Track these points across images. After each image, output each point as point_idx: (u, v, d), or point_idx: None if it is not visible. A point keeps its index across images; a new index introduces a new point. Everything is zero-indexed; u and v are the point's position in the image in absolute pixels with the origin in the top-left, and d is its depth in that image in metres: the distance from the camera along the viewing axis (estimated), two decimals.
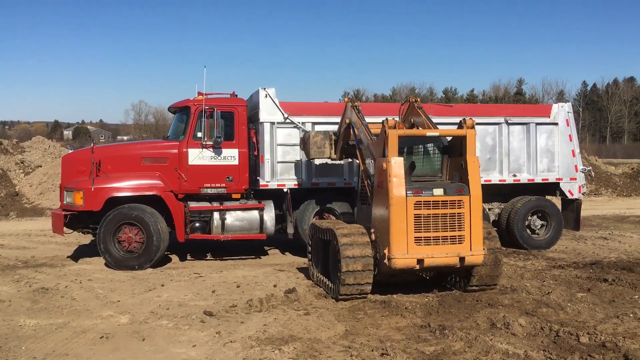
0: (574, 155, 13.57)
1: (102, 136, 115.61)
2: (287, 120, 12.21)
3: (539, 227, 13.47)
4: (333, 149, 11.36)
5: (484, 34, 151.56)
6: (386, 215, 8.16)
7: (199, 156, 11.95)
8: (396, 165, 8.22)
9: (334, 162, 12.26)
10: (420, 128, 10.00)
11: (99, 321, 7.50)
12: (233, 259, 12.38)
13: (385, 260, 8.11)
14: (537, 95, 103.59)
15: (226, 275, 10.64)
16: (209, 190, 12.08)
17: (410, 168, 8.71)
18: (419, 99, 10.16)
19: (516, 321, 6.76)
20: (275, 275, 10.60)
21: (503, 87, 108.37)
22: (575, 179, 13.56)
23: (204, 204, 12.01)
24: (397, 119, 10.96)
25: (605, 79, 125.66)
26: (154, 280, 10.12)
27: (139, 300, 8.62)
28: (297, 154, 12.33)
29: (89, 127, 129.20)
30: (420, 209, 8.10)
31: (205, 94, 12.12)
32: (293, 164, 12.32)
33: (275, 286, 9.56)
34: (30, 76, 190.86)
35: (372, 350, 6.07)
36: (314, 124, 12.38)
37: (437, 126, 9.55)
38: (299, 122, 12.27)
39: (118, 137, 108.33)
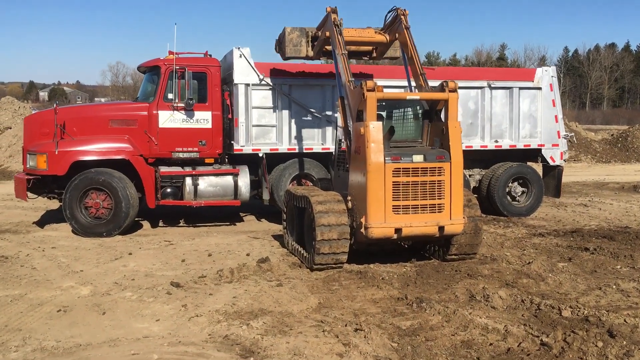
0: (556, 121, 13.27)
1: (79, 98, 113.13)
2: (263, 82, 11.67)
3: (519, 194, 13.24)
4: (310, 46, 10.91)
5: None
6: (363, 182, 7.80)
7: (170, 119, 11.41)
8: (374, 130, 7.82)
9: (309, 126, 11.87)
10: (402, 45, 9.79)
11: (58, 292, 7.09)
12: (207, 226, 11.99)
13: (362, 230, 7.77)
14: (519, 60, 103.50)
15: (198, 243, 10.26)
16: (180, 155, 11.59)
17: (389, 133, 8.31)
18: (407, 11, 9.73)
19: (496, 293, 6.49)
20: (249, 243, 10.24)
21: (485, 52, 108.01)
22: (557, 145, 13.29)
23: (176, 169, 11.52)
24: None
25: (586, 45, 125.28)
26: (122, 248, 9.70)
27: (103, 270, 8.21)
28: (273, 118, 11.85)
29: (65, 88, 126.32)
30: (399, 176, 7.76)
31: (176, 54, 11.51)
32: (269, 127, 11.84)
33: (248, 255, 9.20)
34: (5, 36, 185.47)
35: (346, 325, 5.75)
36: (291, 86, 11.88)
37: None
38: (275, 84, 11.75)
39: (95, 99, 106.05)
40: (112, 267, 8.39)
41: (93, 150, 11.00)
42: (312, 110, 12.01)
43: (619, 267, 8.07)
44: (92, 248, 9.74)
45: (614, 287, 7.03)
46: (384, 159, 7.72)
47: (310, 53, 11.00)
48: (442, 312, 5.99)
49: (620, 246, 9.39)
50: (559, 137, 13.29)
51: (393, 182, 7.73)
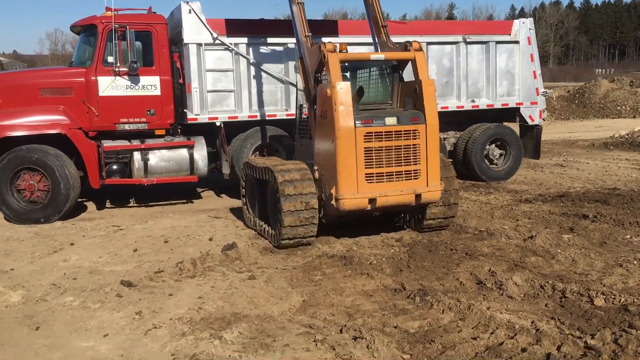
0: (535, 77, 12.40)
1: (16, 67, 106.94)
2: (217, 41, 10.30)
3: (497, 157, 12.41)
4: None
5: None
6: (332, 149, 7.06)
7: (111, 85, 9.97)
8: (342, 91, 7.02)
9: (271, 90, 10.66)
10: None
11: None
12: (160, 205, 10.71)
13: (333, 202, 7.08)
14: (467, 20, 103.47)
15: (152, 226, 9.01)
16: (126, 127, 10.18)
17: (358, 94, 7.49)
18: None
19: (510, 279, 5.54)
20: (210, 224, 9.06)
21: (435, 12, 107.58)
22: (536, 103, 12.45)
23: (122, 143, 10.14)
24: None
25: (532, 3, 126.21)
26: (62, 238, 8.37)
27: (38, 267, 6.90)
28: (230, 82, 10.52)
29: (1, 59, 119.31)
30: (371, 141, 7.06)
31: (114, 10, 10.01)
32: (226, 93, 10.53)
33: (211, 240, 8.03)
34: None
35: (341, 331, 4.71)
36: (249, 45, 10.56)
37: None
38: (231, 44, 10.40)
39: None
40: (49, 263, 7.08)
41: (22, 124, 9.50)
42: (273, 72, 10.75)
43: (628, 236, 7.27)
44: (27, 239, 8.37)
45: (636, 262, 6.20)
46: (355, 123, 6.98)
47: None
48: (453, 307, 4.99)
49: (619, 211, 8.64)
50: (538, 95, 12.46)
51: (365, 147, 7.02)
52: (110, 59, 9.88)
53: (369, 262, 6.60)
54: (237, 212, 9.66)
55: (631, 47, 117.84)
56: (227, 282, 6.12)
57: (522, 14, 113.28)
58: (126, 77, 9.97)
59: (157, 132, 10.42)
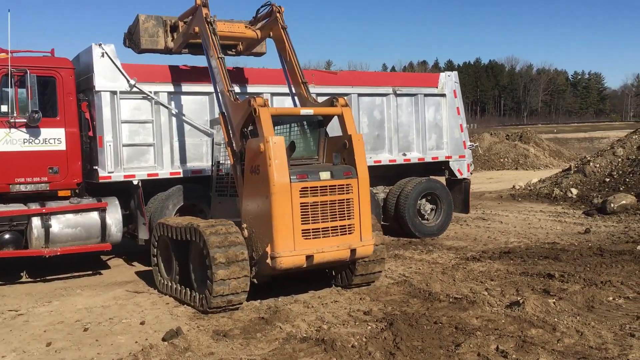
0: (462, 130, 12.30)
1: None
2: (135, 89, 9.08)
3: (429, 212, 12.01)
4: (169, 37, 9.36)
5: (297, 14, 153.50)
6: (266, 206, 6.82)
7: (5, 139, 8.43)
8: (277, 146, 6.84)
9: (195, 142, 9.63)
10: (279, 47, 8.77)
11: None
12: (62, 279, 9.04)
13: (268, 260, 6.78)
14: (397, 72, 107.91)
15: (60, 308, 7.42)
16: (22, 187, 8.62)
17: (289, 149, 7.15)
18: (283, 9, 8.64)
19: None
20: (133, 302, 7.64)
21: (313, 68, 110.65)
22: (464, 156, 12.33)
23: (17, 207, 8.50)
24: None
25: (402, 62, 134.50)
26: None
27: None
28: (149, 135, 9.28)
29: None
30: (307, 196, 6.91)
31: (10, 52, 8.52)
32: (145, 147, 9.25)
33: (143, 324, 6.65)
34: None
35: None
36: (170, 94, 9.44)
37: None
38: (151, 92, 9.20)
39: None
40: None
41: None
42: (198, 124, 9.65)
43: (611, 298, 6.85)
44: None
45: None
46: (290, 178, 6.80)
47: (170, 45, 9.44)
48: None
49: (578, 269, 8.35)
50: (465, 148, 12.34)
51: (301, 203, 6.85)
52: (4, 108, 8.40)
53: (351, 345, 5.61)
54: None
55: (490, 104, 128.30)
56: None
57: (393, 70, 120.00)
58: (24, 129, 8.48)
59: (61, 194, 8.95)
